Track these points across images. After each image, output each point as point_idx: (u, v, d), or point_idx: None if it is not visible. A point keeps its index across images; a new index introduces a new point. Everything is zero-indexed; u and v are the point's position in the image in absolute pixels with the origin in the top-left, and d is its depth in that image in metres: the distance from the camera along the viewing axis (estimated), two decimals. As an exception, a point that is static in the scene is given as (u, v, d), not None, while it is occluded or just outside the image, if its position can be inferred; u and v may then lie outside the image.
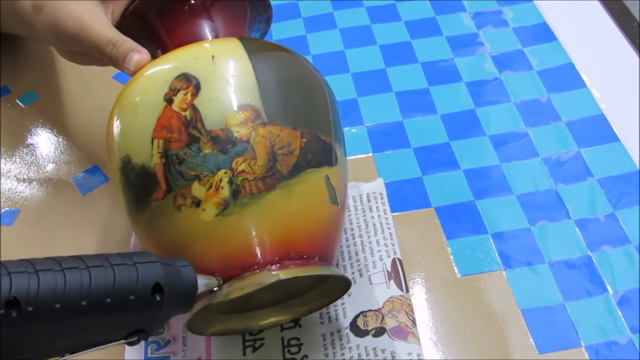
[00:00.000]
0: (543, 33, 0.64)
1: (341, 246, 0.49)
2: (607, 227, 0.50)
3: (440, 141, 0.57)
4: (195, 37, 0.46)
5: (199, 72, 0.40)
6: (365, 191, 0.51)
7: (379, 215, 0.50)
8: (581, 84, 0.60)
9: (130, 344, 0.33)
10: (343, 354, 0.43)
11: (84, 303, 0.29)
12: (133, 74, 0.43)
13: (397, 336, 0.43)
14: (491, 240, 0.50)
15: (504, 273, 0.48)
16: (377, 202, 0.50)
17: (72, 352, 0.31)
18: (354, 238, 0.49)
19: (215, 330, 0.43)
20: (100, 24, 0.46)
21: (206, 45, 0.42)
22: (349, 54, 0.65)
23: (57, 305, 0.29)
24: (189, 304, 0.35)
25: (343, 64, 0.64)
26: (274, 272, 0.37)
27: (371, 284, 0.46)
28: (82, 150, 0.58)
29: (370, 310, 0.45)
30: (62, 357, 0.31)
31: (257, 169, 0.38)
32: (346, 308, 0.45)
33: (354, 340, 0.44)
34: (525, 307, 0.46)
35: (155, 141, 0.39)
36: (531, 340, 0.45)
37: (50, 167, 0.57)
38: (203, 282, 0.35)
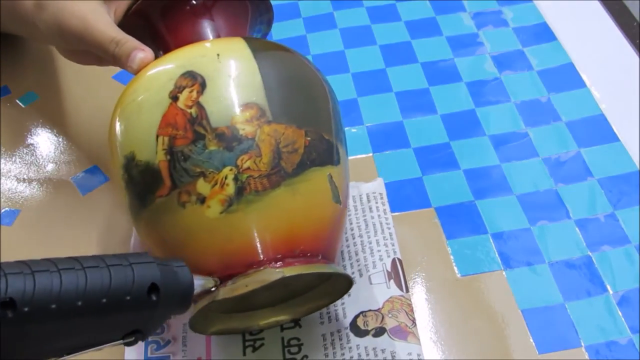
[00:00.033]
0: (543, 33, 0.64)
1: (341, 246, 0.49)
2: (607, 227, 0.50)
3: (440, 141, 0.57)
4: (197, 38, 0.46)
5: (204, 70, 0.40)
6: (365, 191, 0.51)
7: (378, 215, 0.50)
8: (581, 84, 0.60)
9: (127, 344, 0.33)
10: (343, 354, 0.43)
11: (80, 303, 0.30)
12: (136, 72, 0.44)
13: (397, 336, 0.43)
14: (491, 240, 0.50)
15: (504, 273, 0.48)
16: (377, 202, 0.50)
17: (69, 353, 0.31)
18: (353, 238, 0.49)
19: (215, 329, 0.43)
20: (104, 23, 0.46)
21: (211, 44, 0.43)
22: (349, 54, 0.65)
23: (53, 306, 0.29)
24: (186, 304, 0.35)
25: (343, 64, 0.64)
26: (278, 270, 0.37)
27: (371, 284, 0.46)
28: (82, 150, 0.58)
29: (370, 310, 0.45)
30: (60, 357, 0.31)
31: (262, 167, 0.38)
32: (346, 308, 0.45)
33: (354, 340, 0.44)
34: (525, 307, 0.46)
35: (160, 138, 0.39)
36: (531, 340, 0.45)
37: (50, 167, 0.57)
38: (199, 282, 0.36)
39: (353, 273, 0.47)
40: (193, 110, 0.39)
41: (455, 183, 0.54)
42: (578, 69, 0.61)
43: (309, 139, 0.40)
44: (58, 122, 0.61)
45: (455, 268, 0.49)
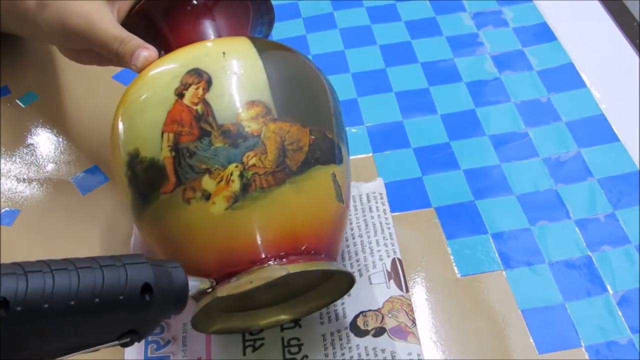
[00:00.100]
0: (543, 33, 0.65)
1: (342, 245, 0.49)
2: (607, 227, 0.50)
3: (440, 141, 0.57)
4: (199, 38, 0.47)
5: (210, 67, 0.40)
6: (365, 191, 0.51)
7: (378, 215, 0.50)
8: (581, 84, 0.60)
9: (123, 345, 0.33)
10: (343, 354, 0.43)
11: (72, 303, 0.30)
12: (140, 70, 0.44)
13: (397, 336, 0.43)
14: (491, 240, 0.50)
15: (504, 273, 0.48)
16: (377, 202, 0.51)
17: (65, 354, 0.32)
18: (353, 238, 0.49)
19: (216, 328, 0.43)
20: (107, 21, 0.46)
21: (215, 43, 0.43)
22: (349, 54, 0.65)
23: (46, 306, 0.29)
24: (180, 305, 0.35)
25: (343, 64, 0.64)
26: (282, 267, 0.37)
27: (371, 284, 0.46)
28: (82, 150, 0.58)
29: (370, 310, 0.45)
30: (56, 358, 0.32)
31: (267, 164, 0.38)
32: (346, 308, 0.45)
33: (354, 340, 0.44)
34: (525, 307, 0.46)
35: (166, 134, 0.39)
36: (531, 340, 0.45)
37: (50, 167, 0.57)
38: (194, 283, 0.36)
39: (353, 273, 0.47)
40: (199, 107, 0.39)
41: (455, 183, 0.54)
42: (578, 69, 0.61)
43: (313, 137, 0.40)
44: (58, 122, 0.61)
45: (455, 268, 0.49)
